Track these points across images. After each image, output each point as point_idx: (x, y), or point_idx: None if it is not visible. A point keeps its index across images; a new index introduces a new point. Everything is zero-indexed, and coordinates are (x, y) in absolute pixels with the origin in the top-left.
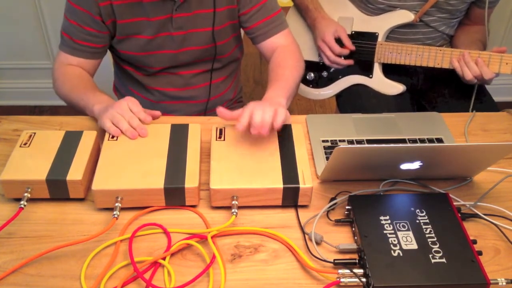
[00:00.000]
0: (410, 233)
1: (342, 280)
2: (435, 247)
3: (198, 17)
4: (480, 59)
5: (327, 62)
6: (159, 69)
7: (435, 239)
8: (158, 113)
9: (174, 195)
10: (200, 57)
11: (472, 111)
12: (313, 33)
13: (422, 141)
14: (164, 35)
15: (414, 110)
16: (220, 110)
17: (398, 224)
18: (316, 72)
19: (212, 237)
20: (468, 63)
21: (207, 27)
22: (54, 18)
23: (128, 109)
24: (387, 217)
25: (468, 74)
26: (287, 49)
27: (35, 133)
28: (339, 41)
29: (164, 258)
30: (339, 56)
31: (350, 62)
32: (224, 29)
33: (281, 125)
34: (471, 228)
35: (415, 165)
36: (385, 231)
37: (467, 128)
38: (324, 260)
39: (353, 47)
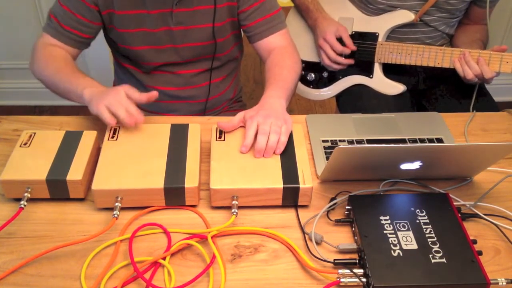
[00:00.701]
0: (410, 233)
1: (342, 280)
2: (435, 247)
3: (198, 13)
4: (481, 58)
5: (327, 62)
6: (160, 65)
7: (435, 239)
8: (154, 93)
9: (174, 195)
10: (200, 54)
11: (472, 111)
12: (314, 34)
13: (422, 141)
14: (164, 30)
15: (414, 110)
16: (220, 124)
17: (398, 224)
18: (317, 73)
19: (212, 237)
20: (468, 62)
21: (207, 23)
22: None
23: (125, 96)
24: (387, 217)
25: (469, 73)
26: (285, 50)
27: (35, 133)
28: (340, 41)
29: (164, 258)
30: (340, 55)
31: (350, 61)
32: (224, 26)
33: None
34: (471, 228)
35: (415, 165)
36: (385, 231)
37: (467, 128)
38: (324, 260)
39: (354, 47)
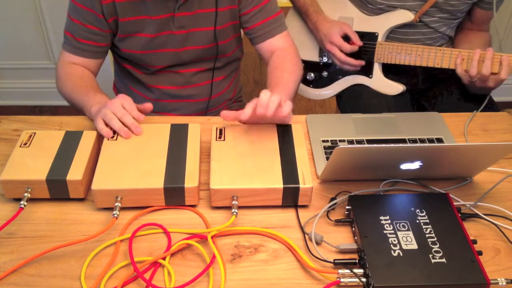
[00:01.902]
0: (410, 233)
1: (342, 280)
2: (435, 247)
3: (199, 17)
4: (506, 57)
5: (338, 64)
6: (161, 67)
7: (435, 239)
8: (149, 105)
9: (174, 194)
10: (202, 56)
11: (475, 111)
12: (315, 36)
13: (422, 141)
14: (166, 34)
15: (414, 110)
16: (224, 113)
17: (398, 224)
18: (316, 73)
19: (212, 237)
20: (488, 61)
21: (208, 26)
22: (54, 18)
23: (121, 107)
24: (387, 217)
25: (474, 72)
26: (285, 52)
27: (35, 133)
28: (345, 38)
29: (164, 258)
30: (350, 55)
31: (361, 62)
32: (226, 29)
33: (288, 113)
34: (471, 228)
35: (415, 165)
36: (385, 231)
37: (467, 128)
38: (324, 260)
39: (360, 42)
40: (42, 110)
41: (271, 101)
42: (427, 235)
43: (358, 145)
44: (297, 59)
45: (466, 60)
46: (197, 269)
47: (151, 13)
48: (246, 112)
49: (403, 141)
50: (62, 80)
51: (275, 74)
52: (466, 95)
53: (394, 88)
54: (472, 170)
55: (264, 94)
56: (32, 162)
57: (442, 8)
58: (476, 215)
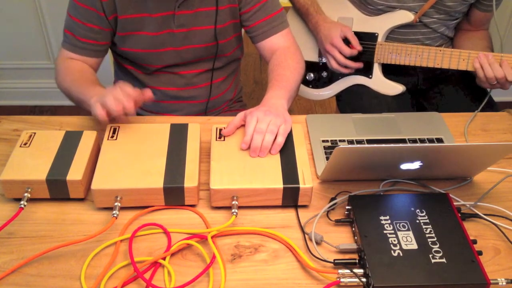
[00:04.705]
0: (410, 233)
1: (342, 280)
2: (435, 247)
3: (200, 15)
4: (505, 60)
5: (335, 66)
6: (161, 67)
7: (435, 239)
8: (148, 92)
9: (173, 194)
10: (202, 55)
11: (473, 111)
12: (315, 37)
13: (422, 141)
14: (166, 32)
15: (414, 110)
16: (224, 131)
17: (398, 224)
18: (316, 73)
19: (212, 237)
20: (492, 64)
21: (209, 25)
22: (54, 18)
23: (119, 89)
24: (387, 217)
25: (491, 74)
26: (287, 50)
27: (35, 133)
28: (345, 41)
29: (164, 258)
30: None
31: (359, 65)
32: (226, 28)
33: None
34: (471, 228)
35: (415, 165)
36: (385, 231)
37: (467, 128)
38: (324, 260)
39: (360, 47)
40: (42, 110)
41: (263, 147)
42: (427, 235)
43: (358, 145)
44: (299, 57)
45: (466, 60)
46: (197, 269)
47: (152, 11)
48: (244, 146)
49: (403, 141)
50: (62, 74)
51: (276, 71)
52: (466, 95)
53: (394, 88)
54: (472, 170)
55: (257, 139)
56: (32, 162)
57: (440, 9)
58: (476, 215)
